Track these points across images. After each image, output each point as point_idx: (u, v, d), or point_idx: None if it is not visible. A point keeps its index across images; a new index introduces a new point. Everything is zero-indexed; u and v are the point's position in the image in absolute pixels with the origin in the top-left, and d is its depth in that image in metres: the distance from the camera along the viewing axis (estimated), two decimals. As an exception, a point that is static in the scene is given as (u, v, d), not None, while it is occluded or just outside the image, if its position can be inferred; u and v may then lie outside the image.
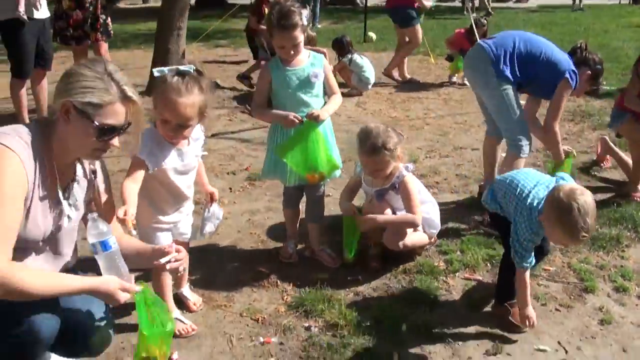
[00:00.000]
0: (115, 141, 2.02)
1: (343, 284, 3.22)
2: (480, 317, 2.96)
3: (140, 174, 2.56)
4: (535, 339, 2.78)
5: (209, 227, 2.98)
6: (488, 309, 3.02)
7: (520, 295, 2.79)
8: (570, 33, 14.32)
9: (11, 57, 5.68)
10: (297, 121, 3.09)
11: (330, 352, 2.65)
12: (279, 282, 3.25)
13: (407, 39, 8.41)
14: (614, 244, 3.66)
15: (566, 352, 2.70)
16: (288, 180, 3.32)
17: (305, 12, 3.12)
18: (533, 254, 2.71)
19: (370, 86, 7.93)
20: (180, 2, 7.01)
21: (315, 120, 3.12)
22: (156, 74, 2.54)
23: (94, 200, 2.27)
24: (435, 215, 3.51)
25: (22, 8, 5.37)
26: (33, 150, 1.93)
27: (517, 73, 3.75)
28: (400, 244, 3.27)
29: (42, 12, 5.68)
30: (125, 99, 1.98)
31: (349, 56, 7.80)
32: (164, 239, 2.73)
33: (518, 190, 2.77)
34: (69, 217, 2.11)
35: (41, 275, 1.90)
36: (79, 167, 2.18)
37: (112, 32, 6.42)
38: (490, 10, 18.27)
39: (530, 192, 2.72)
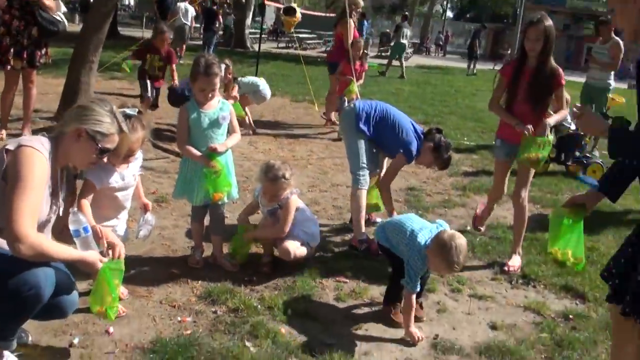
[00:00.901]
0: (106, 158, 2.87)
1: (241, 283, 4.06)
2: (346, 307, 3.94)
3: (90, 192, 3.39)
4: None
5: (144, 232, 3.78)
6: (353, 302, 3.99)
7: (406, 316, 3.57)
8: (441, 93, 16.06)
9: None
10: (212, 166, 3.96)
11: (233, 327, 3.50)
12: (189, 280, 4.05)
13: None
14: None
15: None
16: (195, 200, 4.16)
17: (223, 66, 4.04)
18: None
19: (268, 95, 8.87)
20: (96, 38, 7.69)
21: (214, 152, 3.99)
22: None
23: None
24: (316, 230, 4.47)
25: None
26: (50, 155, 2.71)
27: (371, 131, 4.88)
28: (292, 255, 4.20)
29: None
30: (120, 131, 2.86)
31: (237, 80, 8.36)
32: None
33: (409, 232, 3.70)
34: (58, 207, 2.89)
35: (55, 245, 2.68)
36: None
37: (40, 63, 6.83)
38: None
39: (419, 233, 3.66)
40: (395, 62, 20.45)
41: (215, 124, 4.06)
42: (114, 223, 3.58)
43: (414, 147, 4.91)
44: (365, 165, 4.89)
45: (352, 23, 9.23)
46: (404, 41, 21.01)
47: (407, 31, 21.87)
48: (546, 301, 4.28)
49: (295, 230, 4.30)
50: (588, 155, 8.47)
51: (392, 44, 20.67)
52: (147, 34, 16.93)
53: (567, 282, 4.56)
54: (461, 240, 3.43)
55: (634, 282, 2.44)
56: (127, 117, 3.33)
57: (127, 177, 3.56)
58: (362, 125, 4.84)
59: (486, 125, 11.25)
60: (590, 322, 4.03)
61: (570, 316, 4.09)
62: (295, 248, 4.25)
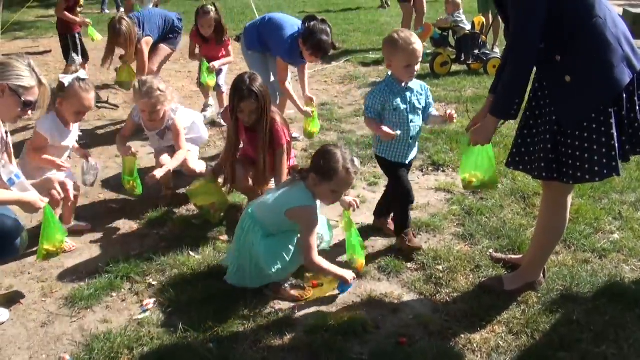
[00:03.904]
0: (31, 112, 3.07)
1: (176, 207, 4.39)
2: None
3: (43, 144, 3.77)
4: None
5: (90, 177, 4.07)
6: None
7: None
8: (344, 12, 16.01)
9: None
10: None
11: (177, 241, 3.83)
12: (129, 211, 4.33)
13: None
14: (368, 160, 5.19)
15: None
16: None
17: None
18: None
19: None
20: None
21: None
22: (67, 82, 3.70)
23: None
24: (203, 133, 4.98)
25: None
26: None
27: (258, 42, 5.34)
28: (198, 172, 4.48)
29: None
30: (40, 84, 3.02)
31: None
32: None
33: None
34: None
35: None
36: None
37: None
38: None
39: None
40: None
41: None
42: (54, 173, 3.84)
43: (285, 48, 5.09)
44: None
45: None
46: None
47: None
48: (455, 181, 4.77)
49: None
50: (487, 52, 8.87)
51: None
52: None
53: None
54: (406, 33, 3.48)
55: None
56: (80, 79, 3.73)
57: (72, 137, 3.95)
58: (249, 40, 5.39)
59: (389, 39, 11.59)
60: (497, 191, 4.54)
61: (478, 190, 4.56)
62: (197, 164, 4.54)
